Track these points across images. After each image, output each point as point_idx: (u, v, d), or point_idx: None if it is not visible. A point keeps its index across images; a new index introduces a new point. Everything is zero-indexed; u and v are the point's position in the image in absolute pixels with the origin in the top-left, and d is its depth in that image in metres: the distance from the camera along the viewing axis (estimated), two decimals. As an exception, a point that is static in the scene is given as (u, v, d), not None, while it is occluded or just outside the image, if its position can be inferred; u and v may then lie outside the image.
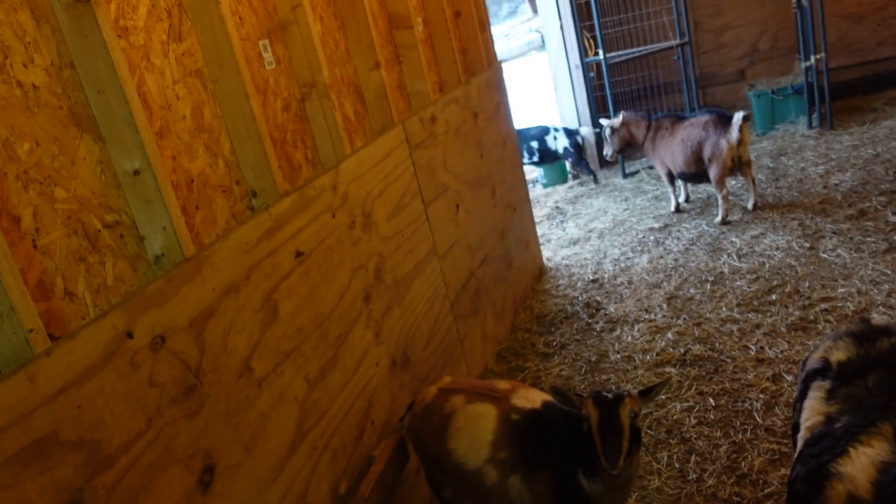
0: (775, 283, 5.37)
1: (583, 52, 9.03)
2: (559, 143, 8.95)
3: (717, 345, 4.73)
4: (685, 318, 5.16)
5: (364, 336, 3.39)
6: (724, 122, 6.67)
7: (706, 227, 6.77)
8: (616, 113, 7.93)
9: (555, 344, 5.26)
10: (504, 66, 6.48)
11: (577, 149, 8.93)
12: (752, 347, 4.60)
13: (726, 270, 5.76)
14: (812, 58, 8.33)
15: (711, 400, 4.18)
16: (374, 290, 3.54)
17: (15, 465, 1.66)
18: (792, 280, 5.34)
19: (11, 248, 1.91)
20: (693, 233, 6.72)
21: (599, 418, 2.61)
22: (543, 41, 9.71)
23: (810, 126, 8.70)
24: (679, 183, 7.46)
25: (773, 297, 5.18)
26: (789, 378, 4.22)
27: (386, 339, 3.59)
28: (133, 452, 1.98)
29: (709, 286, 5.57)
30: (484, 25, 6.04)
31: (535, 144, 9.06)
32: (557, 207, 8.44)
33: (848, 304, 4.84)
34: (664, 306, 5.42)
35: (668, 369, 4.58)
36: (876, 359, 2.38)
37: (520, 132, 8.43)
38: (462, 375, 4.47)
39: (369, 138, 3.94)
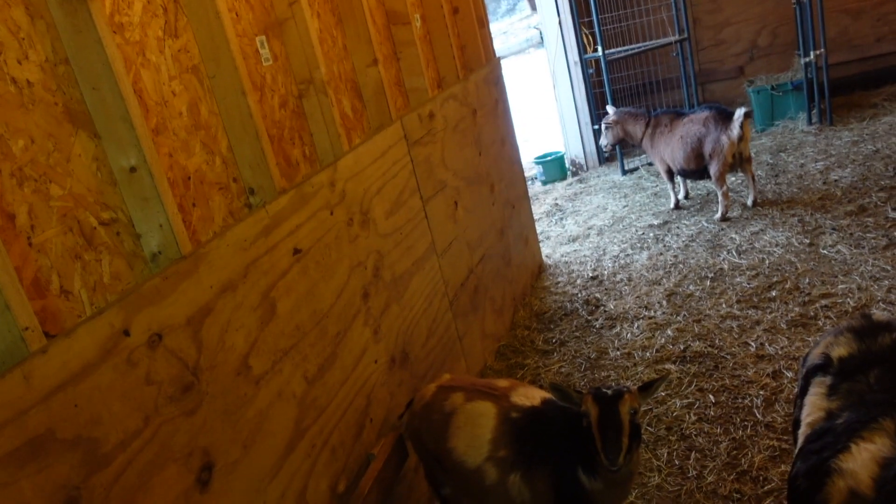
0: (775, 279, 5.36)
1: (582, 49, 9.02)
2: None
3: (717, 341, 4.72)
4: (685, 315, 5.15)
5: (363, 334, 3.37)
6: (724, 118, 6.65)
7: (706, 224, 6.76)
8: (613, 108, 7.92)
9: (554, 341, 5.25)
10: (502, 63, 6.46)
11: None
12: (752, 344, 4.59)
13: (726, 267, 5.75)
14: (811, 54, 8.31)
15: (711, 396, 4.17)
16: (372, 287, 3.53)
17: (11, 463, 1.65)
18: (792, 276, 5.33)
19: (6, 245, 1.90)
20: (693, 229, 6.70)
21: (599, 415, 2.60)
22: (542, 38, 9.69)
23: (810, 122, 8.69)
24: (678, 179, 7.45)
25: (773, 293, 5.17)
26: (789, 374, 4.21)
27: (385, 336, 3.58)
28: (130, 451, 1.97)
29: (708, 283, 5.56)
30: (482, 22, 6.02)
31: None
32: (556, 204, 8.42)
33: (848, 300, 4.83)
34: (664, 303, 5.40)
35: (667, 366, 4.57)
36: (877, 354, 2.36)
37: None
38: (461, 373, 4.46)
39: (367, 135, 3.92)
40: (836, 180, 6.94)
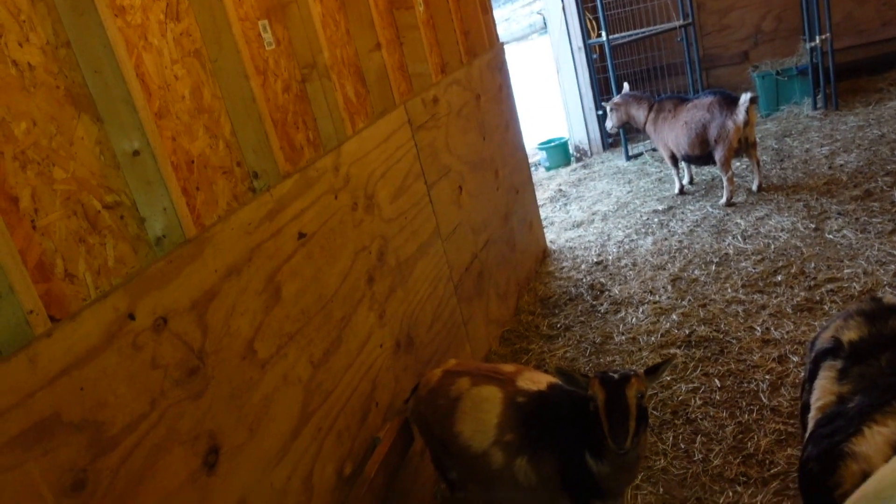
0: (781, 264, 5.34)
1: (585, 34, 8.96)
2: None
3: (722, 326, 4.71)
4: (690, 300, 5.14)
5: (368, 318, 3.36)
6: (729, 103, 6.61)
7: (710, 209, 6.73)
8: (618, 92, 7.89)
9: (559, 326, 5.24)
10: (506, 49, 6.42)
11: None
12: (758, 328, 4.58)
13: (731, 252, 5.73)
14: (817, 38, 8.25)
15: (717, 381, 4.16)
16: (377, 272, 3.52)
17: (17, 446, 1.64)
18: (797, 261, 5.30)
19: (10, 229, 1.89)
20: (697, 215, 6.68)
21: (606, 398, 2.59)
22: (545, 23, 9.63)
23: (815, 107, 8.64)
24: (683, 165, 7.41)
25: (779, 277, 5.15)
26: (795, 359, 4.20)
27: (389, 321, 3.57)
28: (137, 434, 1.97)
29: (714, 267, 5.54)
30: (485, 7, 5.98)
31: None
32: (560, 190, 8.40)
33: (854, 284, 4.81)
34: (669, 288, 5.39)
35: (673, 350, 4.56)
36: (889, 337, 2.34)
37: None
38: (466, 358, 4.45)
39: (371, 119, 3.90)
40: (841, 165, 6.90)
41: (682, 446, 3.73)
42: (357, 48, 3.94)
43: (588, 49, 9.01)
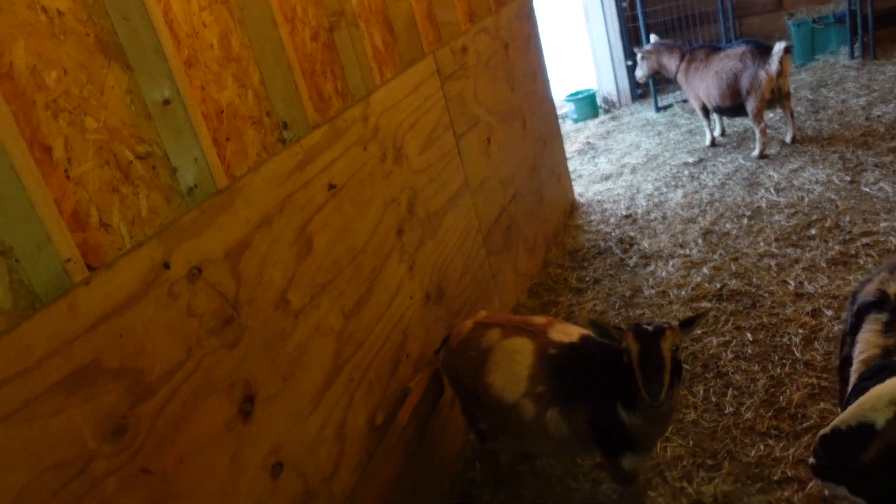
0: (815, 217, 5.24)
1: (615, -18, 8.72)
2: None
3: (754, 280, 4.65)
4: (721, 254, 5.07)
5: (398, 270, 3.36)
6: (762, 52, 6.43)
7: (743, 162, 6.61)
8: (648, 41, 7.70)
9: (587, 279, 5.21)
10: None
11: None
12: (791, 282, 4.52)
13: (764, 205, 5.63)
14: (856, -17, 7.97)
15: (749, 335, 4.12)
16: (406, 223, 3.50)
17: (59, 392, 1.66)
18: (832, 214, 5.20)
19: (45, 178, 1.88)
20: (729, 167, 6.56)
21: (640, 351, 2.57)
22: (574, -29, 9.38)
23: (852, 56, 8.39)
24: (714, 116, 7.26)
25: (813, 231, 5.06)
26: (829, 313, 4.14)
27: (419, 272, 3.56)
28: (174, 381, 1.98)
29: (746, 221, 5.45)
30: (514, -48, 5.82)
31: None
32: (589, 143, 8.28)
33: (890, 238, 4.71)
34: (699, 241, 5.32)
35: (703, 304, 4.52)
36: None
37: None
38: (495, 310, 4.45)
39: (399, 69, 3.83)
40: (878, 116, 6.72)
41: (713, 399, 3.71)
42: (385, -5, 3.85)
43: (618, -3, 8.79)
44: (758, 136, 6.57)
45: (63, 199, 1.95)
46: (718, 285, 4.67)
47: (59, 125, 1.99)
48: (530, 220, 5.40)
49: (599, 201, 6.57)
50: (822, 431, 2.09)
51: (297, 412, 2.51)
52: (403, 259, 3.42)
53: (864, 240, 4.78)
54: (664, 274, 5.01)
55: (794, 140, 6.68)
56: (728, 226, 5.45)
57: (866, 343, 2.28)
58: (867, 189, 5.43)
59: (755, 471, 3.23)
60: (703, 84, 6.89)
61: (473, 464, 3.69)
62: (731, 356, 3.98)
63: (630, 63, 8.71)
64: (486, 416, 3.24)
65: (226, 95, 2.64)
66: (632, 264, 5.27)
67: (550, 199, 5.95)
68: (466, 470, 3.68)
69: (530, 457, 3.61)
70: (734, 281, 4.67)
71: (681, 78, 7.21)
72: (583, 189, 6.97)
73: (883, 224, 4.89)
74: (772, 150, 6.66)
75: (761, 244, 5.05)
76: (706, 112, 7.09)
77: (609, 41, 9.13)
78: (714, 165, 6.69)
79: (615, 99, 9.38)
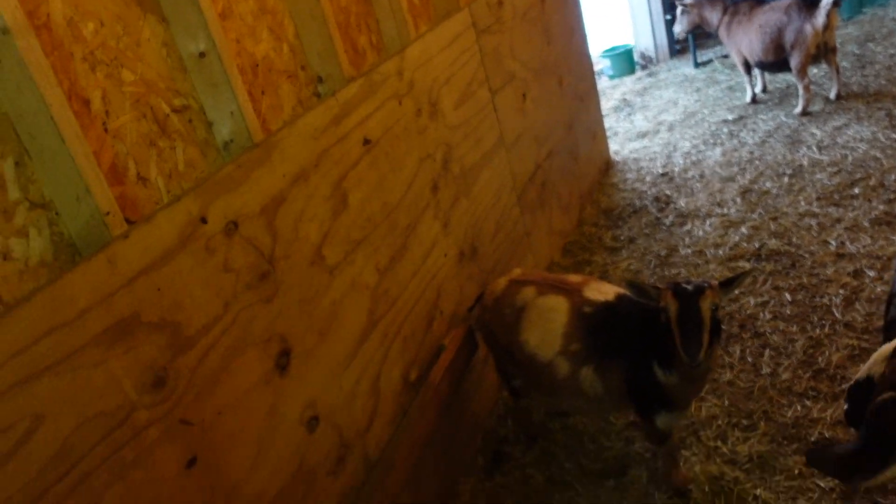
0: (858, 176, 5.10)
1: (655, -68, 8.45)
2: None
3: (794, 239, 4.55)
4: (760, 213, 4.97)
5: (432, 227, 3.34)
6: (808, 5, 6.20)
7: (784, 119, 6.43)
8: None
9: (622, 238, 5.15)
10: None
11: None
12: (832, 242, 4.41)
13: (805, 163, 5.49)
14: (910, -69, 7.63)
15: (787, 295, 4.05)
16: (441, 180, 3.46)
17: (101, 343, 1.68)
18: (877, 173, 5.05)
19: (83, 130, 1.88)
20: (770, 124, 6.39)
21: (679, 310, 2.53)
22: (613, -79, 9.11)
23: (902, 8, 8.07)
24: (756, 72, 7.05)
25: (856, 190, 4.92)
26: (871, 274, 4.04)
27: (454, 230, 3.54)
28: (212, 335, 2.00)
29: (786, 179, 5.33)
30: None
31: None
32: (625, 99, 8.12)
33: (938, 197, 4.57)
34: (738, 200, 5.22)
35: (741, 264, 4.44)
36: None
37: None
38: (529, 268, 4.42)
39: (434, 22, 3.76)
40: (929, 71, 6.48)
41: (750, 360, 3.67)
42: (420, -54, 3.77)
43: (658, -52, 8.52)
44: (801, 92, 6.38)
45: (101, 151, 1.95)
46: (757, 245, 4.58)
47: (96, 77, 1.99)
48: (565, 177, 5.33)
49: (635, 159, 6.46)
50: (849, 383, 2.31)
51: (333, 367, 2.52)
52: (438, 216, 3.40)
53: (910, 199, 4.65)
54: (701, 233, 4.92)
55: (838, 96, 6.48)
56: (768, 184, 5.33)
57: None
58: (914, 147, 5.27)
59: (791, 431, 3.20)
60: (745, 38, 6.68)
61: (506, 420, 3.70)
62: (768, 316, 3.92)
63: (669, 17, 8.48)
64: (519, 374, 3.24)
65: (261, 48, 2.61)
66: (668, 223, 5.19)
67: (586, 156, 5.86)
68: (499, 426, 3.70)
69: (563, 414, 3.61)
70: (773, 241, 4.58)
71: (722, 32, 7.00)
72: (618, 147, 6.85)
73: (930, 183, 4.75)
74: (815, 107, 6.47)
75: (802, 203, 4.94)
76: (748, 67, 6.89)
77: (648, -6, 8.89)
78: (754, 123, 6.52)
79: (652, 55, 9.16)
